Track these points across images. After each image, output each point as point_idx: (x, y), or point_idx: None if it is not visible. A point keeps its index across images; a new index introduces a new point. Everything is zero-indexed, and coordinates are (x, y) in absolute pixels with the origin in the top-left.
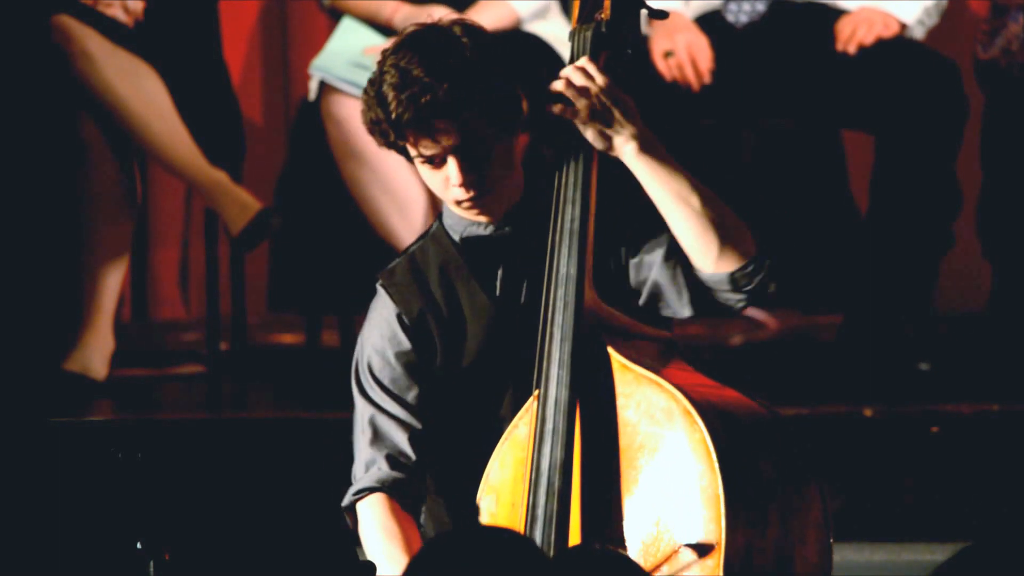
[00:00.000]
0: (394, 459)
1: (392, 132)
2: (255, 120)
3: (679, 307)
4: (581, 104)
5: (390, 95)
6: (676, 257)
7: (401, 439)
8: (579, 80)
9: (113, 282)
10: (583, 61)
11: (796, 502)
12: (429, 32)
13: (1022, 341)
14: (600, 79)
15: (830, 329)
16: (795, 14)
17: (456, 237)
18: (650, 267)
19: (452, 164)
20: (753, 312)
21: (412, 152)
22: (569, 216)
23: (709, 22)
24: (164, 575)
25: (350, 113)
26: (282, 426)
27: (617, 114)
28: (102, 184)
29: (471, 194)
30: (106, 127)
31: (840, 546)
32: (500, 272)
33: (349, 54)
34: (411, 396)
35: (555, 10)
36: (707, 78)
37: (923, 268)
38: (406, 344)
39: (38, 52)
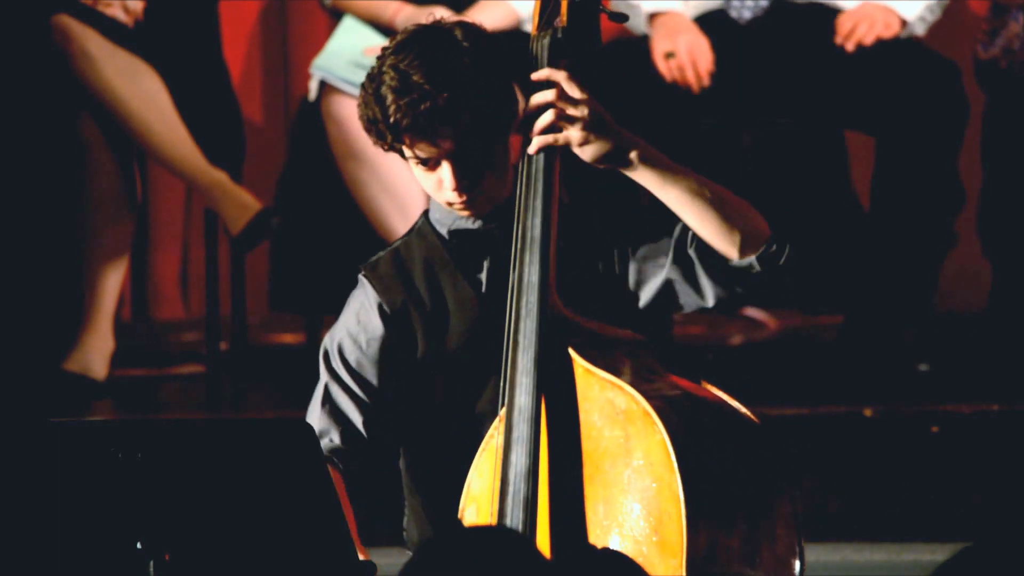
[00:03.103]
0: (346, 435)
1: (389, 134)
2: (255, 120)
3: (698, 300)
4: (575, 126)
5: (388, 98)
6: (687, 255)
7: (357, 418)
8: (566, 101)
9: (113, 282)
10: (556, 75)
11: (764, 499)
12: (430, 34)
13: (1022, 341)
14: (579, 93)
15: (830, 329)
16: (797, 12)
17: (443, 231)
18: (658, 268)
19: (447, 169)
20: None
21: (407, 153)
22: (531, 224)
23: (711, 18)
24: (164, 575)
25: (350, 113)
26: (282, 426)
27: (609, 123)
28: (102, 184)
29: (464, 197)
30: (106, 127)
31: (840, 546)
32: (486, 265)
33: (350, 54)
34: (375, 380)
35: None
36: (707, 80)
37: (924, 268)
38: (380, 332)
39: (38, 52)
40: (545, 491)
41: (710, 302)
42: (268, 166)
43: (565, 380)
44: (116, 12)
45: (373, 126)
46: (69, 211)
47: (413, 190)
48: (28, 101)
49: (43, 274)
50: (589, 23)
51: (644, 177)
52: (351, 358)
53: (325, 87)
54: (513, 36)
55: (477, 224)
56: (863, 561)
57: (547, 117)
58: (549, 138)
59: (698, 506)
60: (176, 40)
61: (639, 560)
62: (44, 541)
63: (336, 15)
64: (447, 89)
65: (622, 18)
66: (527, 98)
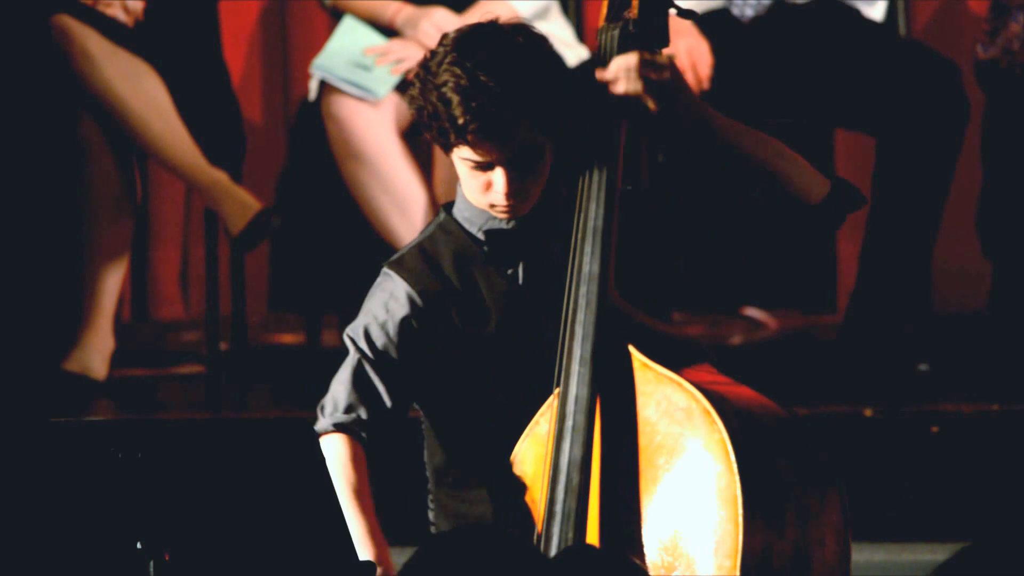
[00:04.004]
0: (375, 414)
1: (452, 134)
2: (255, 120)
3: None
4: (659, 86)
5: (455, 99)
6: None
7: (387, 401)
8: (650, 67)
9: (113, 282)
10: (631, 58)
11: (815, 504)
12: (495, 35)
13: (1022, 341)
14: (660, 65)
15: (830, 329)
16: (799, 11)
17: (473, 230)
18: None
19: (500, 174)
20: (753, 312)
21: (464, 154)
22: (593, 214)
23: (713, 17)
24: (164, 575)
25: (350, 113)
26: (282, 426)
27: (683, 83)
28: (102, 184)
29: (511, 202)
30: (106, 127)
31: None
32: (521, 265)
33: (350, 54)
34: (404, 370)
35: (555, 10)
36: (706, 84)
37: (922, 266)
38: (410, 322)
39: (38, 52)
40: (596, 482)
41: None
42: (268, 166)
43: (622, 372)
44: (116, 12)
45: (434, 123)
46: (69, 211)
47: (413, 190)
48: (28, 101)
49: (43, 274)
50: (660, 16)
51: (725, 130)
52: (379, 343)
53: (325, 87)
54: None
55: (511, 224)
56: (863, 561)
57: (631, 82)
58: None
59: (755, 508)
60: (176, 40)
61: (689, 558)
62: (44, 541)
63: (336, 15)
64: (517, 94)
65: (691, 15)
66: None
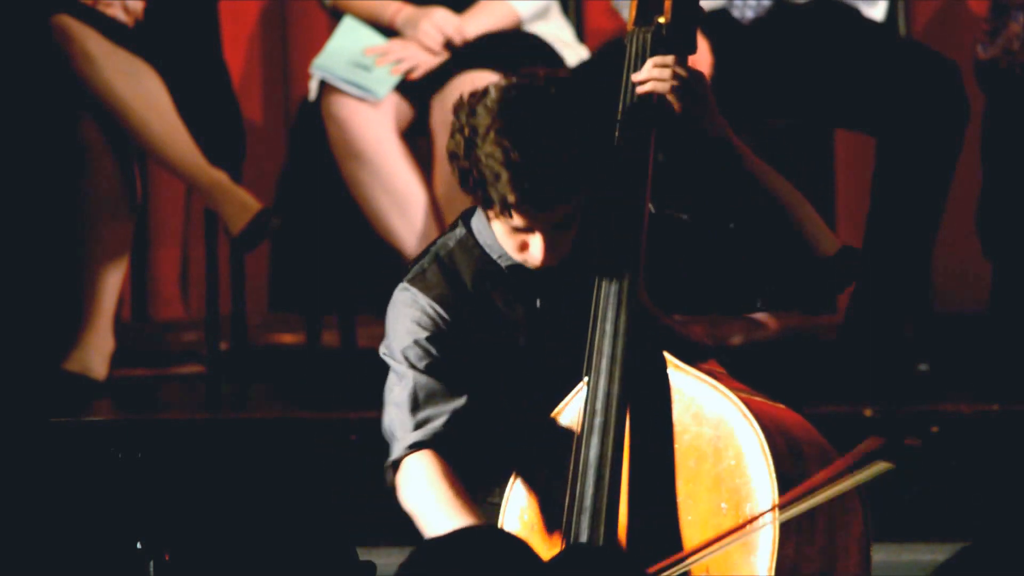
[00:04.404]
0: (448, 421)
1: (498, 206)
2: (255, 120)
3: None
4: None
5: (504, 175)
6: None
7: (452, 405)
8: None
9: (113, 282)
10: (666, 59)
11: (841, 514)
12: (542, 101)
13: (1022, 341)
14: (692, 70)
15: (830, 329)
16: (799, 12)
17: (495, 258)
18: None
19: (539, 240)
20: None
21: (504, 217)
22: (624, 211)
23: (713, 18)
24: (164, 575)
25: (351, 113)
26: (282, 426)
27: (709, 95)
28: (102, 184)
29: (545, 264)
30: (106, 127)
31: None
32: (539, 301)
33: (350, 54)
34: (451, 374)
35: (556, 11)
36: None
37: (923, 268)
38: (443, 333)
39: (38, 52)
40: (625, 480)
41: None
42: (268, 166)
43: (654, 372)
44: (116, 12)
45: (479, 190)
46: (69, 211)
47: (413, 190)
48: (28, 101)
49: (43, 274)
50: (692, 22)
51: (750, 157)
52: (422, 359)
53: (325, 87)
54: (515, 36)
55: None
56: None
57: (663, 80)
58: (666, 86)
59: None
60: (176, 40)
61: (722, 559)
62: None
63: (336, 15)
64: (567, 171)
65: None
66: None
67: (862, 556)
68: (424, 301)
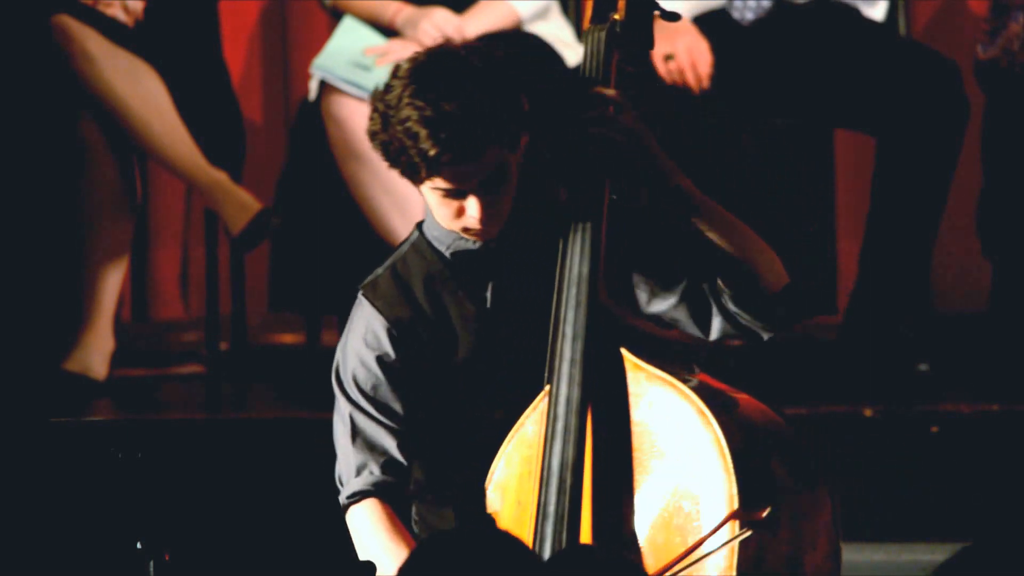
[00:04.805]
0: (386, 464)
1: (424, 168)
2: (255, 120)
3: (699, 334)
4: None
5: (422, 132)
6: (697, 293)
7: (391, 445)
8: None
9: (113, 282)
10: (608, 92)
11: (807, 506)
12: (448, 60)
13: (1022, 341)
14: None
15: (830, 329)
16: (798, 11)
17: (443, 249)
18: (665, 303)
19: (473, 201)
20: None
21: (430, 183)
22: (581, 217)
23: (713, 19)
24: (164, 575)
25: (351, 113)
26: (282, 426)
27: (654, 143)
28: (102, 184)
29: (484, 226)
30: (106, 127)
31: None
32: (490, 286)
33: (350, 54)
34: (397, 404)
35: (555, 10)
36: (707, 83)
37: (923, 268)
38: (391, 353)
39: (38, 52)
40: (588, 482)
41: (713, 336)
42: (268, 166)
43: (614, 373)
44: (116, 12)
45: (403, 158)
46: (69, 211)
47: (413, 190)
48: (28, 101)
49: (43, 274)
50: (645, 19)
51: (686, 202)
52: (367, 386)
53: (325, 87)
54: (515, 36)
55: (478, 245)
56: (863, 561)
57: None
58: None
59: (752, 508)
60: (176, 40)
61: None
62: (44, 540)
63: (336, 15)
64: (482, 118)
65: (675, 17)
66: (531, 103)
67: (831, 549)
68: (375, 319)
